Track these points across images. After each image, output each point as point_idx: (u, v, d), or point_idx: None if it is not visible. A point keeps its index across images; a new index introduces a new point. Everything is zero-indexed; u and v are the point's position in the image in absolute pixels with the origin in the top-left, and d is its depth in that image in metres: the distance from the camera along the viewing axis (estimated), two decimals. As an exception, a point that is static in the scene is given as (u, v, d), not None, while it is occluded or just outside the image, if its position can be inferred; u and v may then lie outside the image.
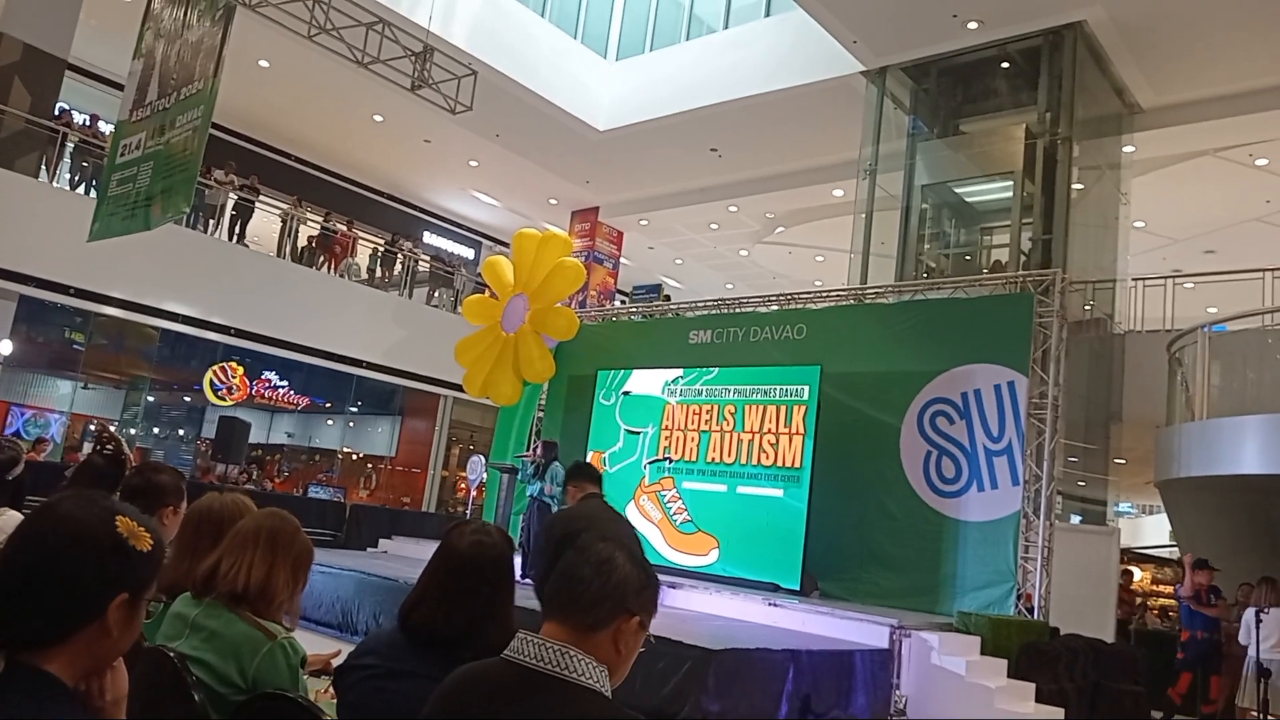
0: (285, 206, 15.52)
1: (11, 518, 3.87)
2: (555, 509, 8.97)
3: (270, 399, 16.86)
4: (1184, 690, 9.25)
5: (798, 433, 9.02)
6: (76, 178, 13.15)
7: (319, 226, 16.08)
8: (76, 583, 1.28)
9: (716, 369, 9.93)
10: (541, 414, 12.10)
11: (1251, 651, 8.16)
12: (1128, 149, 13.13)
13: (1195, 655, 9.19)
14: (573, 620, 1.61)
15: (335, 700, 2.27)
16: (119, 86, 10.17)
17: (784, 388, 9.26)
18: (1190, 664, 9.26)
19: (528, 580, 8.23)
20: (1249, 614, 8.32)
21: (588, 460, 4.74)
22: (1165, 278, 13.04)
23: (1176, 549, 12.92)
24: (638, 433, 10.42)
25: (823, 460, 8.84)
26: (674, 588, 7.80)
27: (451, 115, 12.42)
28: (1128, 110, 12.71)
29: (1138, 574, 14.33)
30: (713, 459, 9.64)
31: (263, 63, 14.44)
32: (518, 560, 2.55)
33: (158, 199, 7.04)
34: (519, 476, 9.83)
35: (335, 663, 2.65)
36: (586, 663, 1.55)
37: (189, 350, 15.27)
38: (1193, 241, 16.37)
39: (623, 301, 19.89)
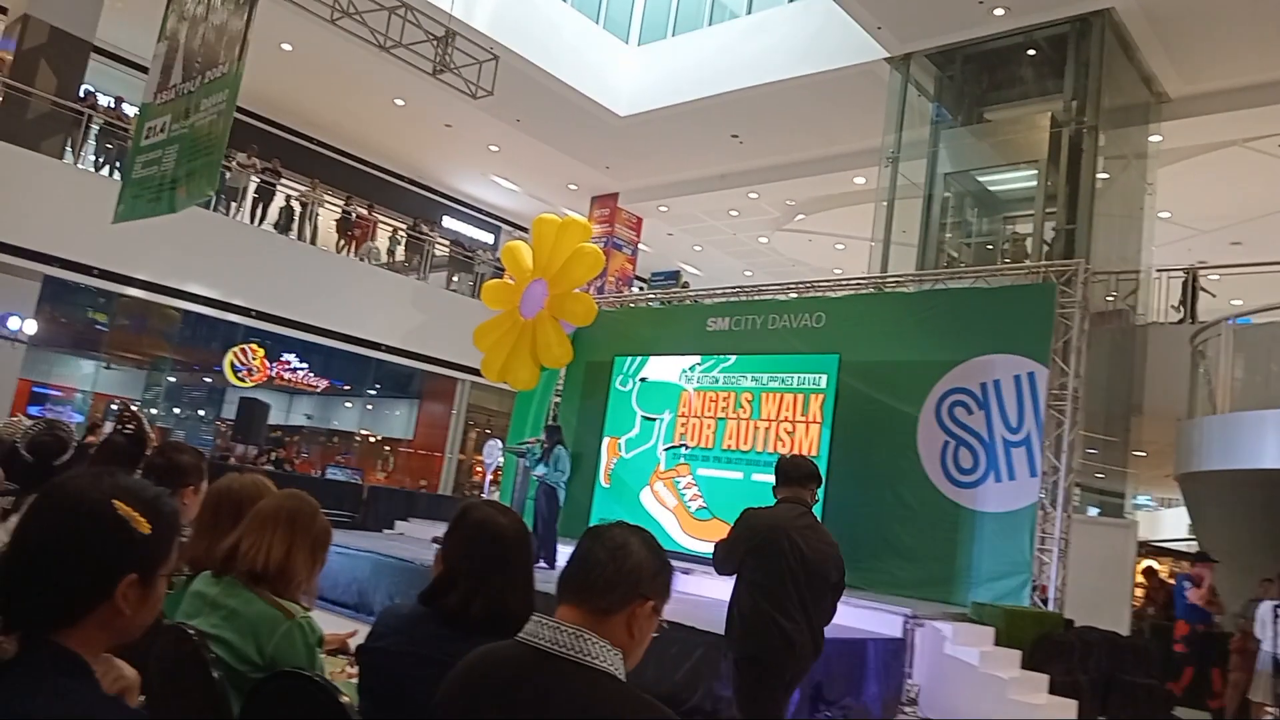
0: (305, 189, 15.60)
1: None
2: (561, 492, 9.07)
3: (290, 381, 16.99)
4: (1187, 684, 9.21)
5: (815, 421, 9.01)
6: (101, 160, 13.24)
7: (339, 209, 16.15)
8: (80, 563, 1.27)
9: (734, 356, 9.92)
10: (558, 399, 12.13)
11: (1266, 646, 8.09)
12: (1154, 138, 12.96)
13: (1196, 649, 9.14)
14: (587, 604, 1.62)
15: (351, 679, 2.30)
16: (144, 69, 10.24)
17: (802, 376, 9.25)
18: (1192, 658, 9.20)
19: (540, 564, 8.34)
20: (1264, 608, 8.25)
21: (796, 456, 4.64)
22: (1190, 269, 12.90)
23: (1195, 543, 12.82)
24: (654, 419, 10.44)
25: (839, 449, 8.83)
26: (688, 573, 7.82)
27: (472, 100, 12.44)
28: (1155, 99, 12.53)
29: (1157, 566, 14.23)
30: (729, 446, 9.65)
31: (285, 46, 14.48)
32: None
33: (182, 182, 7.08)
34: (526, 461, 9.91)
35: (352, 642, 2.69)
36: (600, 646, 1.57)
37: (210, 332, 15.40)
38: (1219, 233, 16.16)
39: (641, 288, 19.85)
